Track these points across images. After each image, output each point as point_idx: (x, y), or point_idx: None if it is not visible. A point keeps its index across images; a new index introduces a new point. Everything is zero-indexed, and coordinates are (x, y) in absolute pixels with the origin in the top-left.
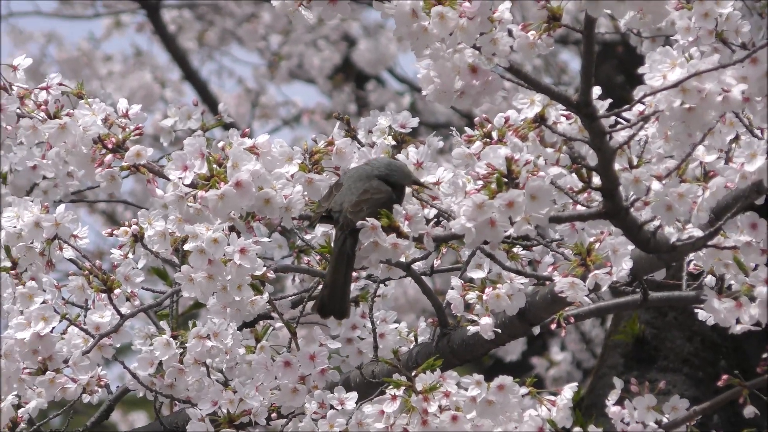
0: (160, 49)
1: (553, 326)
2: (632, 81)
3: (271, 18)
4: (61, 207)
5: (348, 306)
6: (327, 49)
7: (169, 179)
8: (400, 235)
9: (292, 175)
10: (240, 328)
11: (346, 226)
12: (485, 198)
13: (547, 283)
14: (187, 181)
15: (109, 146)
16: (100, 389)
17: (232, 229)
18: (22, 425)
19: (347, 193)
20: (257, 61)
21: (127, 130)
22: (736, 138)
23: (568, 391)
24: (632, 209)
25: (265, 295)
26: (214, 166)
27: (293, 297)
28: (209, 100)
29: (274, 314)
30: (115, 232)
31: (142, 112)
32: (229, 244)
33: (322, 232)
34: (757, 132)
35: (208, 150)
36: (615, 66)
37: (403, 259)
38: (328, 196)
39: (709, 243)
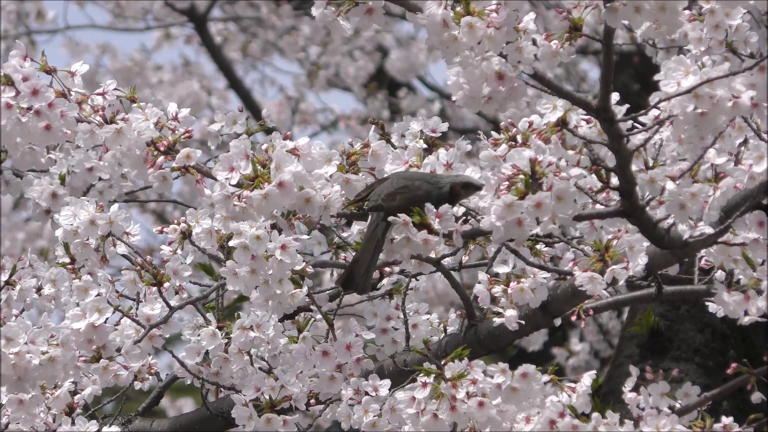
0: (207, 60)
1: (573, 318)
2: (647, 89)
3: (311, 30)
4: (115, 206)
5: (369, 283)
6: (362, 59)
7: (216, 179)
8: (431, 231)
9: (330, 176)
10: (281, 320)
11: (376, 209)
12: (515, 198)
13: (568, 277)
14: (233, 182)
15: (161, 149)
16: (150, 376)
17: (273, 226)
18: (78, 410)
19: (388, 186)
20: (297, 70)
21: (176, 132)
22: (745, 141)
23: (587, 379)
24: (648, 208)
25: (305, 289)
26: (258, 167)
27: (331, 291)
28: (253, 107)
29: (312, 306)
30: (164, 229)
31: (190, 115)
32: (270, 241)
33: (357, 230)
34: (765, 136)
35: (253, 152)
36: (632, 75)
37: (433, 255)
38: (370, 188)
39: (720, 240)
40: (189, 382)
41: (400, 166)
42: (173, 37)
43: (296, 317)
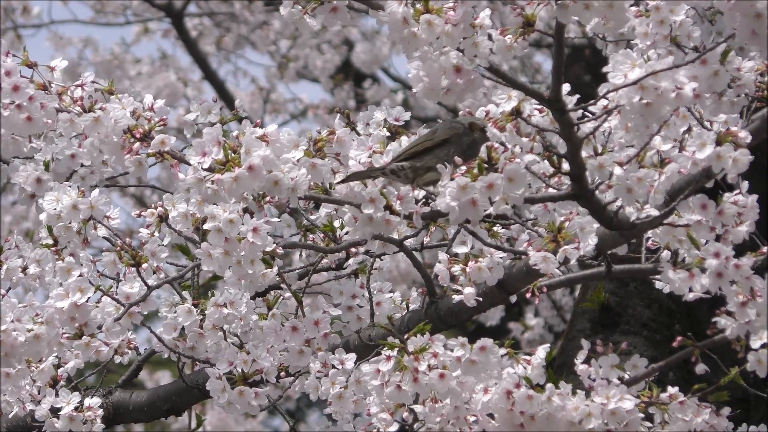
0: (183, 53)
1: (528, 295)
2: (598, 80)
3: (281, 25)
4: (96, 191)
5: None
6: (329, 52)
7: (189, 164)
8: (393, 212)
9: (298, 160)
10: (253, 298)
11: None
12: (468, 180)
13: (523, 257)
14: (206, 166)
15: (137, 135)
16: (129, 351)
17: (245, 210)
18: (62, 383)
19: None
20: (268, 62)
21: (152, 121)
22: (689, 129)
23: (541, 352)
24: (597, 192)
25: (275, 269)
26: (230, 152)
27: (300, 270)
28: (226, 98)
29: (283, 285)
30: (143, 213)
31: (165, 106)
32: (243, 224)
33: (325, 213)
34: (707, 124)
35: (224, 138)
36: (583, 67)
37: (396, 236)
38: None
39: (665, 221)
40: (166, 356)
41: (364, 152)
42: (151, 32)
43: (267, 295)
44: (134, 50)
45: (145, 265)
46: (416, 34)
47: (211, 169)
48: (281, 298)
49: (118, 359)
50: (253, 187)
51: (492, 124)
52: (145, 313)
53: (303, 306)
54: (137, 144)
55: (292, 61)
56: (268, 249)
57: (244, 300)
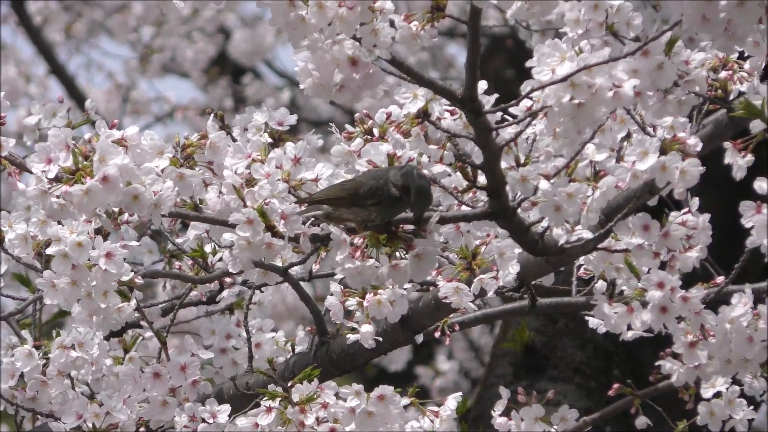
0: (25, 42)
1: (437, 334)
2: (523, 76)
3: (143, 9)
4: None
5: None
6: (201, 41)
7: (32, 173)
8: (275, 234)
9: (162, 170)
10: (107, 338)
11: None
12: (362, 266)
13: (431, 288)
14: (51, 175)
15: None
16: None
17: (98, 232)
18: None
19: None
20: (128, 54)
21: None
22: (628, 136)
23: (451, 402)
24: (519, 210)
25: (133, 302)
26: (81, 159)
27: (164, 304)
28: (77, 96)
29: (143, 323)
30: None
31: (4, 99)
32: (94, 248)
33: (194, 235)
34: (649, 129)
35: (75, 143)
36: (505, 60)
37: (280, 263)
38: None
39: (600, 246)
40: (2, 408)
41: (242, 161)
42: None
43: (123, 335)
44: None
45: None
46: (304, 18)
47: (57, 180)
48: (141, 338)
49: None
50: (107, 201)
51: (395, 129)
52: None
53: (167, 348)
54: None
55: (156, 52)
56: (125, 278)
57: (97, 341)
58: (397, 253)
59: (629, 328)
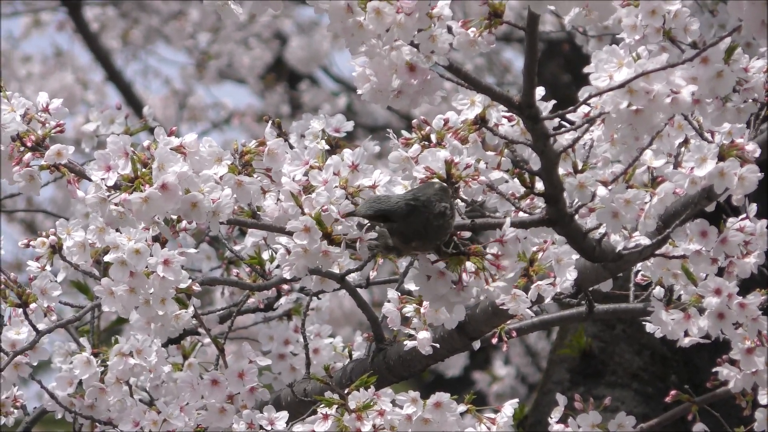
0: (82, 49)
1: (495, 340)
2: (579, 80)
3: (200, 15)
4: None
5: None
6: (258, 47)
7: (91, 180)
8: (332, 242)
9: (221, 177)
10: (165, 345)
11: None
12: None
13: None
14: (110, 183)
15: (29, 144)
16: (16, 410)
17: (155, 239)
18: None
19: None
20: (185, 60)
21: (47, 126)
22: (686, 141)
23: (508, 409)
24: (577, 216)
25: (191, 309)
26: (139, 167)
27: (221, 311)
28: (134, 103)
29: (200, 329)
30: (31, 242)
31: (63, 107)
32: (151, 255)
33: (252, 242)
34: (707, 135)
35: (133, 150)
36: (561, 65)
37: (337, 270)
38: None
39: (657, 252)
40: (60, 416)
41: (300, 168)
42: (44, 24)
43: (182, 342)
44: (24, 46)
45: (33, 306)
46: (362, 24)
47: (116, 187)
48: (199, 344)
49: (2, 420)
50: (166, 209)
51: (452, 135)
52: (35, 363)
53: (225, 354)
54: (29, 154)
55: (213, 58)
56: (183, 285)
57: (154, 348)
58: (480, 272)
59: (686, 334)
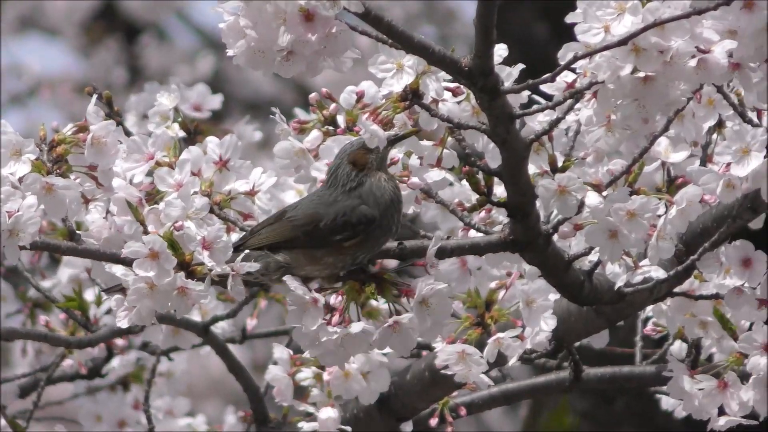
0: None
1: (433, 421)
2: (562, 35)
3: None
4: None
5: None
6: None
7: None
8: (192, 274)
9: (20, 180)
10: None
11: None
12: (341, 335)
13: (424, 353)
14: None
15: None
16: None
17: None
18: None
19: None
20: None
21: None
22: (719, 125)
23: None
24: (556, 237)
25: None
26: None
27: (23, 379)
28: None
29: None
30: None
31: None
32: None
33: (69, 275)
34: (752, 116)
35: None
36: (535, 12)
37: (198, 317)
38: None
39: (676, 289)
40: None
41: (140, 165)
42: None
43: None
44: None
45: None
46: None
47: None
48: None
49: None
50: None
51: (370, 116)
52: None
53: None
54: None
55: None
56: None
57: None
58: (390, 306)
59: (721, 412)
